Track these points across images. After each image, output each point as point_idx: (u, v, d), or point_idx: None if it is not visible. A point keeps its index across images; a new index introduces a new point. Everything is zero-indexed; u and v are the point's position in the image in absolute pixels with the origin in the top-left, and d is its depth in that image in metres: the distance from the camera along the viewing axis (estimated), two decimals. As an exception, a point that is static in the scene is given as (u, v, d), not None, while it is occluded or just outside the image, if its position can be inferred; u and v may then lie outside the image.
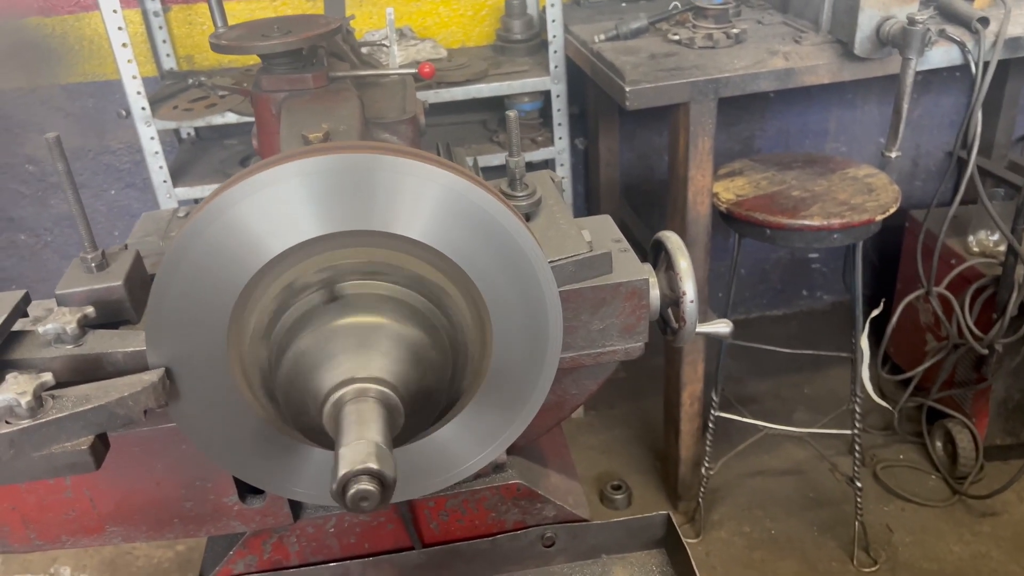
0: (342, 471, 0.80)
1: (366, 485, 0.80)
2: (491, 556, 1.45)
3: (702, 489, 2.79)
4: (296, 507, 1.35)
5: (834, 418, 3.02)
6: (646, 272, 1.30)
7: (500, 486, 1.41)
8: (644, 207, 3.42)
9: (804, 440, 3.06)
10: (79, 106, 3.07)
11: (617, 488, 2.96)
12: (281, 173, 0.95)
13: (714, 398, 2.68)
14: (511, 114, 1.25)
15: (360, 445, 0.82)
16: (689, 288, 1.30)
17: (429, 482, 1.15)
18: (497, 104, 3.00)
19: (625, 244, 1.35)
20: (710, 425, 2.71)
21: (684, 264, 1.31)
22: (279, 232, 0.96)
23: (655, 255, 1.41)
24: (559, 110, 2.78)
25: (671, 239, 1.35)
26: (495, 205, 1.01)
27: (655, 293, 1.32)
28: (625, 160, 3.42)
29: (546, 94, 2.78)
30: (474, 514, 1.43)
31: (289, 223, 0.96)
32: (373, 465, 0.80)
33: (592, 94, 3.11)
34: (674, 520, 1.47)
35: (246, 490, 1.29)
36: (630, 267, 1.29)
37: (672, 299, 1.34)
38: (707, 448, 2.75)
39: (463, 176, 1.00)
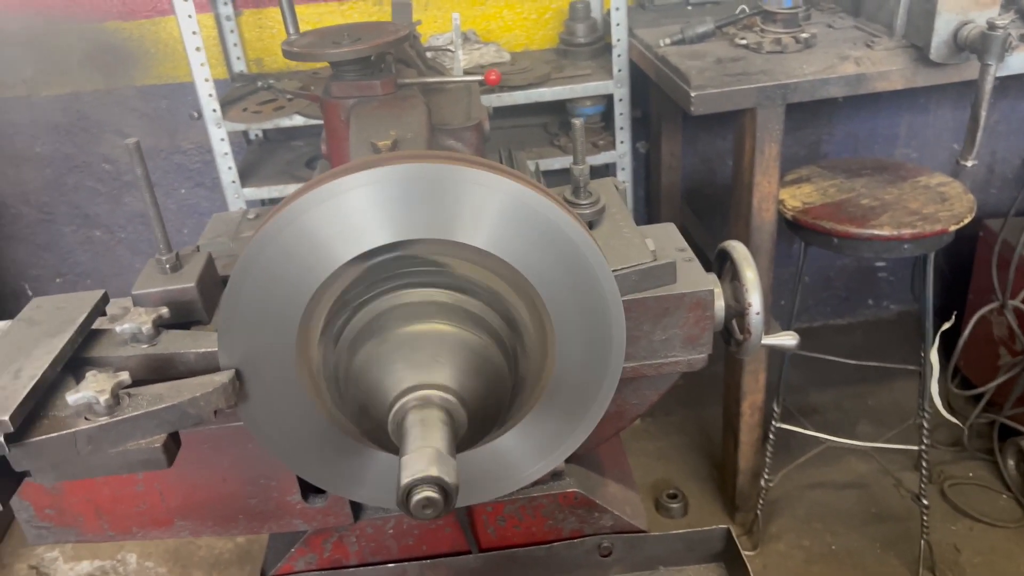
0: (406, 478, 0.81)
1: (430, 492, 0.81)
2: (547, 563, 1.45)
3: (761, 501, 2.74)
4: (356, 507, 1.37)
5: (899, 432, 2.93)
6: (711, 282, 1.28)
7: (558, 494, 1.41)
8: (706, 212, 3.38)
9: (867, 454, 2.98)
10: (153, 107, 3.17)
11: (673, 497, 2.93)
12: (351, 183, 0.96)
13: (775, 409, 2.63)
14: (577, 122, 1.24)
15: (424, 452, 0.83)
16: (755, 300, 1.28)
17: (488, 489, 1.16)
18: (559, 108, 2.99)
19: (689, 253, 1.33)
20: (771, 436, 2.66)
21: (751, 275, 1.29)
22: (349, 240, 0.98)
23: (720, 265, 1.39)
24: (621, 114, 2.76)
25: (737, 249, 1.33)
26: (559, 214, 1.01)
27: (720, 304, 1.30)
28: (687, 164, 3.38)
29: (609, 98, 2.77)
30: (531, 520, 1.44)
31: (358, 231, 0.97)
32: (436, 473, 0.81)
33: (655, 98, 3.09)
34: (734, 534, 1.45)
35: (309, 489, 1.31)
36: (695, 277, 1.28)
37: (737, 310, 1.32)
38: (767, 459, 2.70)
39: (528, 185, 1.00)
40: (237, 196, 2.78)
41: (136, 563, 2.96)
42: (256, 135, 3.15)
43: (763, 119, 2.18)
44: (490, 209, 0.99)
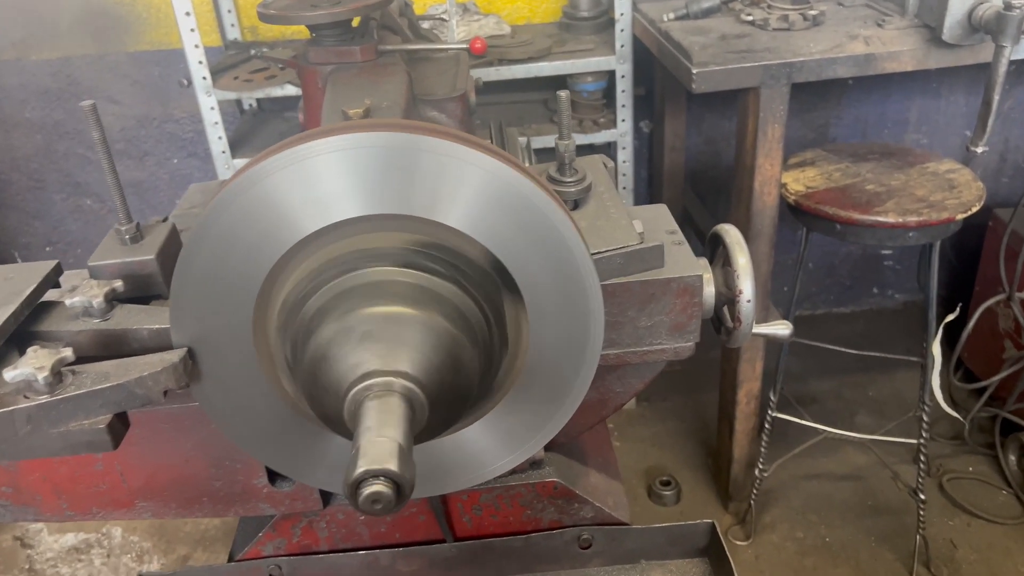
0: (357, 470, 0.75)
1: (381, 487, 0.75)
2: (524, 554, 1.40)
3: (755, 491, 2.68)
4: (327, 493, 1.31)
5: (899, 424, 2.87)
6: (700, 267, 1.22)
7: (536, 483, 1.36)
8: (710, 195, 3.30)
9: (866, 445, 2.92)
10: (145, 74, 3.10)
11: (666, 484, 2.89)
12: (314, 149, 0.90)
13: (772, 398, 2.57)
14: (563, 94, 1.18)
15: (378, 443, 0.77)
16: (746, 287, 1.22)
17: (454, 480, 1.10)
18: (560, 83, 2.91)
19: (680, 236, 1.27)
20: (767, 426, 2.60)
21: (742, 261, 1.23)
22: (311, 211, 0.91)
23: (712, 249, 1.33)
24: (623, 91, 2.69)
25: (730, 233, 1.27)
26: (535, 192, 0.94)
27: (709, 290, 1.24)
28: (692, 145, 3.30)
29: (611, 74, 2.69)
30: (508, 510, 1.38)
31: (323, 202, 0.91)
32: (390, 467, 0.76)
33: (659, 75, 3.00)
34: (719, 529, 1.39)
35: (275, 473, 1.26)
36: (683, 261, 1.21)
37: (728, 297, 1.26)
38: (762, 449, 2.64)
39: (503, 160, 0.94)
40: (227, 167, 2.71)
41: (121, 537, 2.94)
42: (250, 105, 3.09)
43: (767, 99, 2.10)
44: (462, 185, 0.92)
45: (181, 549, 2.88)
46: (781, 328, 1.36)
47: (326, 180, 0.90)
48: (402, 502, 0.77)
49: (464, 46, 1.48)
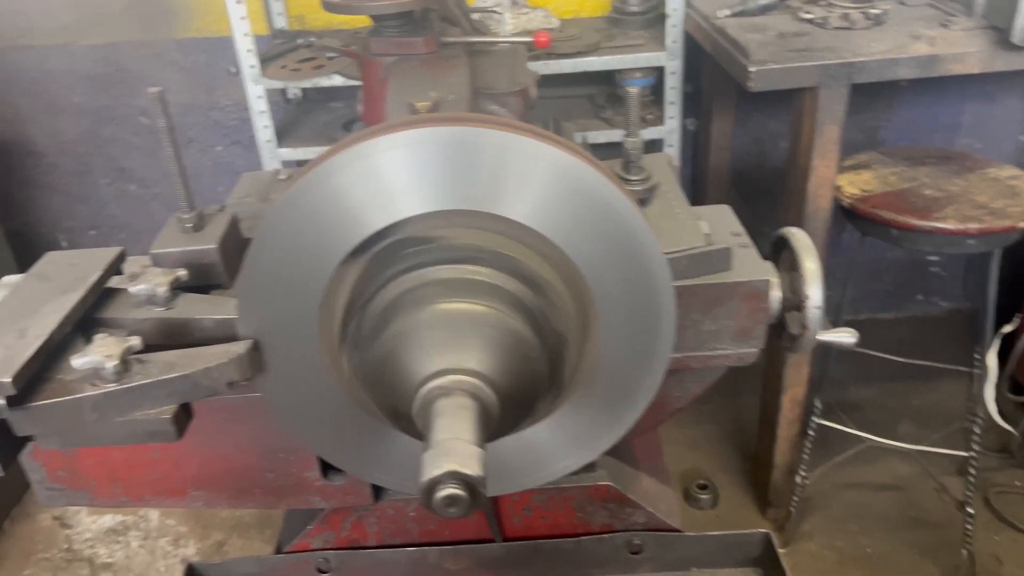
0: (430, 473, 0.74)
1: (455, 490, 0.74)
2: (574, 557, 1.38)
3: (795, 498, 2.64)
4: (378, 487, 1.30)
5: (945, 435, 2.81)
6: (768, 272, 1.19)
7: (589, 486, 1.33)
8: (754, 197, 3.24)
9: (909, 455, 2.86)
10: (192, 61, 3.11)
11: (703, 488, 2.85)
12: (385, 144, 0.88)
13: (817, 404, 2.52)
14: (633, 90, 1.15)
15: (452, 445, 0.75)
16: (815, 293, 1.18)
17: (516, 481, 1.08)
18: (607, 78, 2.87)
19: (745, 239, 1.24)
20: (811, 432, 2.55)
21: (811, 266, 1.20)
22: (380, 207, 0.90)
23: (776, 253, 1.30)
24: (673, 88, 2.64)
25: (798, 237, 1.24)
26: (609, 189, 0.92)
27: (776, 295, 1.21)
28: (737, 145, 3.24)
29: (660, 70, 2.65)
30: (559, 512, 1.36)
31: (391, 198, 0.90)
32: (463, 469, 0.74)
33: (709, 73, 2.95)
34: (774, 540, 1.36)
35: (329, 466, 1.25)
36: (750, 265, 1.19)
37: (793, 303, 1.22)
38: (805, 456, 2.59)
39: (578, 156, 0.91)
40: (272, 156, 2.71)
41: (158, 520, 2.96)
42: (295, 94, 3.08)
43: (825, 99, 2.05)
44: (534, 180, 0.90)
45: (217, 535, 2.90)
46: (846, 336, 1.32)
47: (394, 176, 0.89)
48: (477, 504, 0.75)
49: (529, 39, 1.45)
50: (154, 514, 2.99)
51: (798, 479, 2.62)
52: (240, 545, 2.85)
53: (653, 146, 2.83)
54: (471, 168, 0.90)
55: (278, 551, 1.39)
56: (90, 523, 2.97)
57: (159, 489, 1.26)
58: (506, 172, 0.90)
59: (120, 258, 1.07)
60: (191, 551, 2.85)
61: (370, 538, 1.37)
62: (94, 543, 2.91)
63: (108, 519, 2.97)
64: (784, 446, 2.61)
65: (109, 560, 2.84)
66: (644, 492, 1.40)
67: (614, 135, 2.64)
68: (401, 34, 1.34)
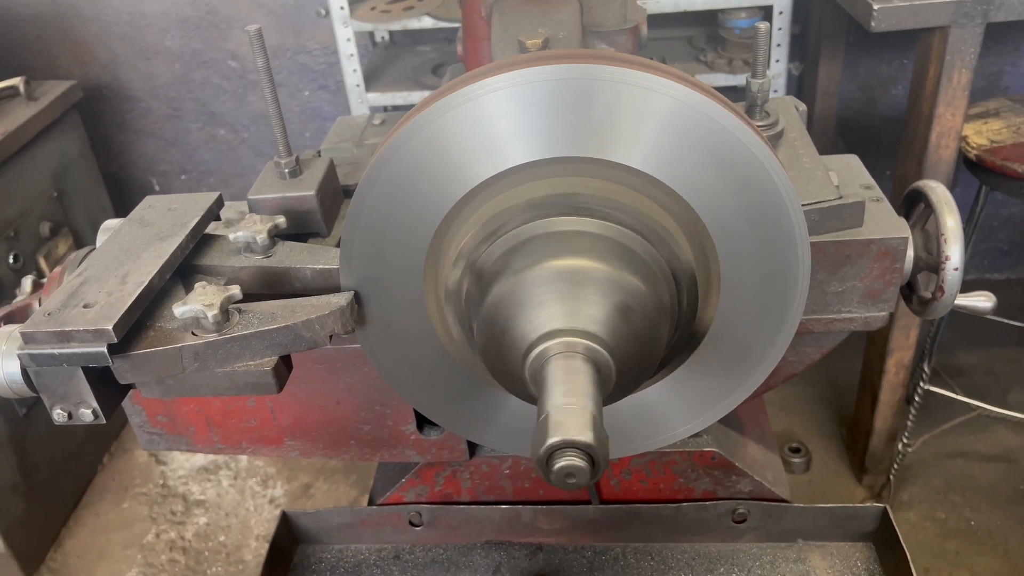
0: (548, 440, 0.68)
1: (576, 460, 0.68)
2: (672, 523, 1.32)
3: (895, 466, 2.52)
4: (472, 443, 1.27)
5: (1062, 405, 2.63)
6: (903, 229, 1.08)
7: (693, 452, 1.27)
8: (860, 147, 3.04)
9: (1021, 426, 2.69)
10: (280, 3, 3.08)
11: (796, 451, 2.75)
12: (498, 84, 0.81)
13: (925, 370, 2.38)
14: (762, 26, 1.05)
15: (572, 413, 0.69)
16: (955, 253, 1.08)
17: (628, 446, 1.02)
18: (707, 19, 2.72)
19: (878, 192, 1.13)
20: (917, 399, 2.42)
21: (951, 223, 1.09)
22: (489, 154, 0.83)
23: (909, 208, 1.19)
24: (780, 29, 2.48)
25: (936, 191, 1.12)
26: (742, 129, 0.82)
27: (909, 254, 1.10)
28: (844, 91, 3.05)
29: (767, 9, 2.48)
30: (659, 477, 1.30)
31: (500, 144, 0.83)
32: (583, 437, 0.68)
33: (818, 14, 2.77)
34: (891, 515, 1.28)
35: (424, 420, 1.22)
36: (884, 221, 1.08)
37: (928, 263, 1.12)
38: (908, 423, 2.46)
39: (709, 95, 0.82)
40: (361, 101, 2.68)
41: (247, 461, 3.04)
42: (382, 37, 3.03)
43: (955, 40, 1.88)
44: (658, 122, 0.82)
45: (303, 477, 2.96)
46: (982, 300, 1.21)
47: (506, 120, 0.82)
48: (596, 475, 0.69)
49: (639, -28, 1.34)
50: (243, 458, 3.07)
51: (899, 446, 2.49)
52: (326, 488, 2.91)
53: (755, 92, 2.68)
54: (595, 110, 0.82)
55: (371, 503, 1.37)
56: (183, 460, 3.07)
57: (255, 437, 1.25)
58: (628, 114, 0.82)
59: (218, 203, 1.04)
60: (279, 492, 2.91)
61: (463, 494, 1.34)
62: (187, 480, 3.00)
63: (200, 458, 3.06)
64: (886, 411, 2.48)
65: (201, 497, 2.93)
66: (751, 460, 1.32)
67: (715, 79, 2.51)
68: (505, -33, 1.25)
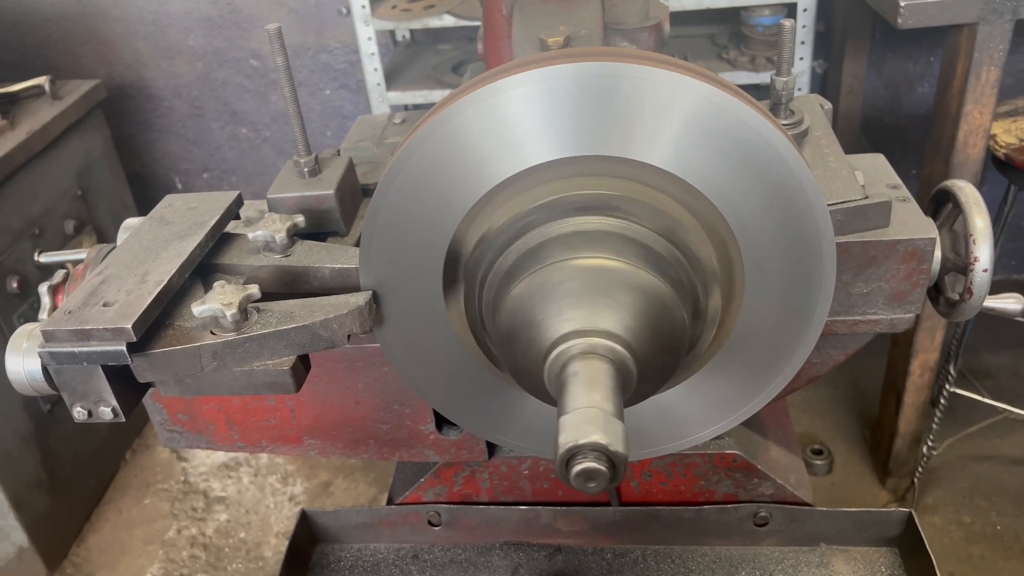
0: (567, 443, 0.67)
1: (595, 464, 0.67)
2: (693, 526, 1.31)
3: (920, 469, 2.48)
4: (491, 444, 1.26)
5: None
6: (931, 229, 1.06)
7: (715, 454, 1.25)
8: (885, 145, 3.01)
9: (1048, 429, 2.65)
10: (302, 2, 3.09)
11: (818, 453, 2.72)
12: (517, 82, 0.80)
13: (951, 372, 2.34)
14: (787, 23, 1.03)
15: (590, 415, 0.68)
16: (984, 254, 1.06)
17: (649, 448, 1.01)
18: (728, 17, 2.70)
19: (904, 192, 1.11)
20: (942, 401, 2.38)
21: (980, 223, 1.06)
22: (510, 153, 0.82)
23: (935, 208, 1.16)
24: (804, 26, 2.45)
25: (964, 190, 1.10)
26: (766, 128, 0.81)
27: (937, 255, 1.08)
28: (869, 89, 3.01)
29: (791, 7, 2.46)
30: (680, 479, 1.29)
31: (521, 143, 0.82)
32: (603, 440, 0.67)
33: (843, 10, 2.73)
34: (916, 520, 1.25)
35: (443, 420, 1.22)
36: (911, 221, 1.06)
37: (956, 264, 1.10)
38: (934, 425, 2.43)
39: (733, 94, 0.81)
40: (382, 99, 2.68)
41: (267, 458, 3.05)
42: (403, 36, 3.03)
43: (984, 37, 1.84)
44: (682, 121, 0.80)
45: (323, 475, 2.97)
46: (1012, 303, 1.19)
47: (526, 120, 0.81)
48: (617, 479, 0.68)
49: (662, -31, 1.33)
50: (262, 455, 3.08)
51: (924, 449, 2.46)
52: (345, 486, 2.91)
53: (778, 90, 2.65)
54: (615, 109, 0.81)
55: (390, 502, 1.37)
56: (204, 457, 3.09)
57: (274, 436, 1.25)
58: (651, 113, 0.81)
59: (238, 202, 1.04)
60: (298, 489, 2.92)
61: (482, 493, 1.33)
62: (208, 477, 3.02)
63: (221, 455, 3.08)
64: (910, 413, 2.45)
65: (222, 494, 2.95)
66: (773, 462, 1.31)
67: (738, 77, 2.48)
68: (525, -36, 1.24)
